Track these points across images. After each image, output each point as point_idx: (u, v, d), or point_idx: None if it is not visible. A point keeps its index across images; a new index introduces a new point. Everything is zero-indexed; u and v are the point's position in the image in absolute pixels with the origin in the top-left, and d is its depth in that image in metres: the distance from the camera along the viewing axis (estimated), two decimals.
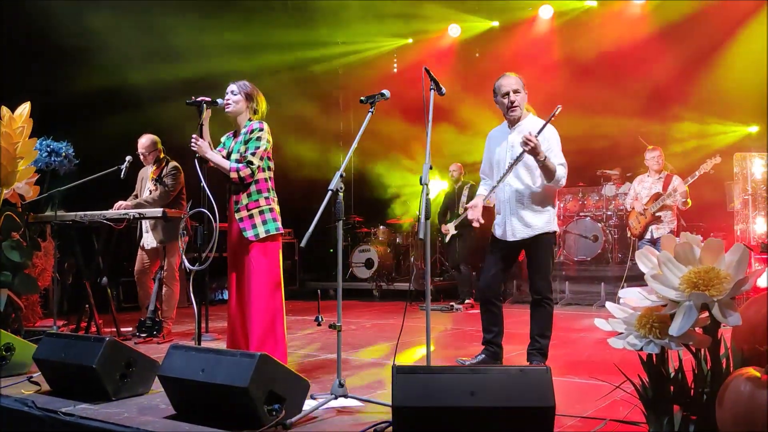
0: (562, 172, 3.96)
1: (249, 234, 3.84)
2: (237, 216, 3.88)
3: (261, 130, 3.93)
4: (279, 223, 3.94)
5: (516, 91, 4.06)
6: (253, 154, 3.86)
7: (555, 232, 4.14)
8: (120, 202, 5.61)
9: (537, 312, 4.09)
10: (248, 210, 3.87)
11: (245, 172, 3.84)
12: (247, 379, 2.72)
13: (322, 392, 3.32)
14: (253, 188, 3.90)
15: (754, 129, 9.06)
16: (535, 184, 4.07)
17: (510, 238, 4.11)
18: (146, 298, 5.73)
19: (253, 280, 3.83)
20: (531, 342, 4.10)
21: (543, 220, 4.07)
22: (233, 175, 3.84)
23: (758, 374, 2.14)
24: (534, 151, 3.80)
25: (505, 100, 4.07)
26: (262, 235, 3.85)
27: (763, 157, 7.56)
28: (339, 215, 3.23)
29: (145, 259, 5.82)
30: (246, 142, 3.92)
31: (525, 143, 3.79)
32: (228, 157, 3.99)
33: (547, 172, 3.92)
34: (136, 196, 5.90)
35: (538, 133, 3.87)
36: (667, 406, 2.41)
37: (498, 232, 4.21)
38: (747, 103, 8.52)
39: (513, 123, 4.15)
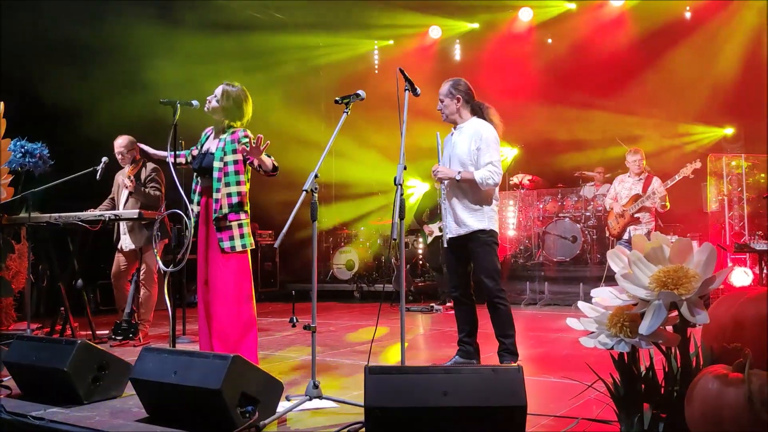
0: (483, 173, 4.05)
1: (226, 245, 3.80)
2: (215, 225, 3.83)
3: (246, 137, 3.88)
4: (252, 239, 3.94)
5: (441, 101, 4.26)
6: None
7: (492, 230, 4.14)
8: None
9: (493, 313, 4.11)
10: (228, 221, 3.83)
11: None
12: (220, 381, 2.70)
13: (297, 394, 3.30)
14: (234, 200, 3.86)
15: (729, 131, 9.18)
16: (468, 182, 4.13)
17: (449, 235, 4.17)
18: (123, 300, 5.67)
19: (227, 291, 3.80)
20: (499, 344, 4.13)
21: (476, 218, 4.11)
22: (275, 173, 3.91)
23: (726, 372, 2.16)
24: (445, 176, 4.10)
25: None
26: (239, 249, 3.82)
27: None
28: (314, 216, 3.24)
29: (122, 262, 5.75)
30: (234, 152, 3.86)
31: (433, 174, 4.15)
32: (204, 156, 3.95)
33: (470, 182, 4.08)
34: (113, 199, 5.84)
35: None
36: (637, 404, 2.42)
37: (443, 232, 4.28)
38: (723, 105, 8.64)
39: (455, 126, 4.31)
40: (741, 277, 7.20)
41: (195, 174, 4.01)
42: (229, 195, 3.85)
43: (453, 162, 4.17)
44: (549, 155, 9.79)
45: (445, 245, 4.11)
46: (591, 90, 9.32)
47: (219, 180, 3.84)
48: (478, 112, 4.28)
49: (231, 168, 3.87)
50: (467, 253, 4.19)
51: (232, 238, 3.82)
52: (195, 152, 4.08)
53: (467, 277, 4.25)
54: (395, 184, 3.03)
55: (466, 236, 4.10)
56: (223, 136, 3.93)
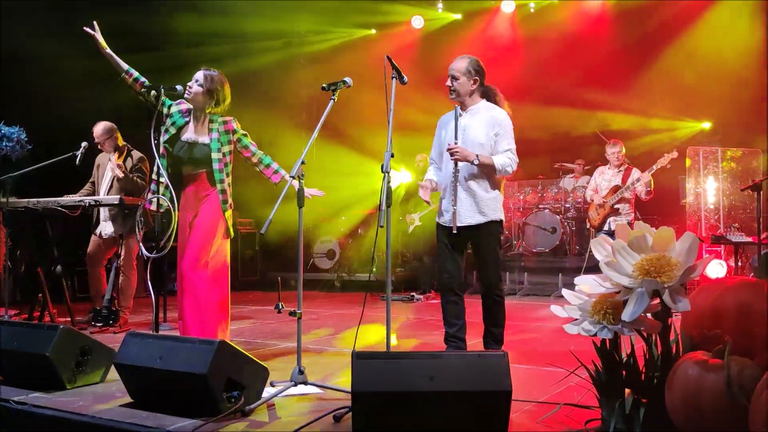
0: (503, 160, 3.95)
1: (230, 231, 4.07)
2: (224, 213, 4.02)
3: (238, 128, 4.09)
4: None
5: (454, 78, 4.03)
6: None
7: (502, 220, 4.09)
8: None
9: (491, 305, 4.06)
10: (231, 208, 4.09)
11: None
12: (206, 366, 2.70)
13: (282, 380, 3.31)
14: (231, 188, 4.08)
15: (707, 125, 9.33)
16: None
17: (464, 222, 3.99)
18: (97, 285, 5.62)
19: (221, 273, 3.98)
20: (485, 332, 4.11)
21: (491, 207, 4.01)
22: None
23: (706, 358, 2.22)
24: (462, 158, 3.90)
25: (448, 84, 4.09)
26: (232, 234, 4.09)
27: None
28: (300, 202, 3.26)
29: (99, 247, 5.68)
30: (229, 143, 4.04)
31: (450, 153, 3.92)
32: (192, 146, 3.97)
33: (487, 168, 3.96)
34: (93, 183, 5.77)
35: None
36: (619, 390, 2.48)
37: (445, 218, 4.10)
38: (701, 99, 8.76)
39: (463, 107, 4.12)
40: (716, 268, 7.33)
41: (172, 159, 4.02)
42: (229, 185, 4.07)
43: (468, 146, 3.97)
44: (529, 146, 9.84)
45: (454, 231, 3.92)
46: (571, 83, 9.38)
47: (221, 171, 4.01)
48: (488, 96, 4.16)
49: (228, 159, 4.06)
50: (467, 242, 4.09)
51: (233, 225, 4.11)
52: (154, 97, 3.97)
53: (462, 266, 4.15)
54: (382, 171, 3.03)
55: (478, 225, 3.98)
56: (213, 126, 3.97)
